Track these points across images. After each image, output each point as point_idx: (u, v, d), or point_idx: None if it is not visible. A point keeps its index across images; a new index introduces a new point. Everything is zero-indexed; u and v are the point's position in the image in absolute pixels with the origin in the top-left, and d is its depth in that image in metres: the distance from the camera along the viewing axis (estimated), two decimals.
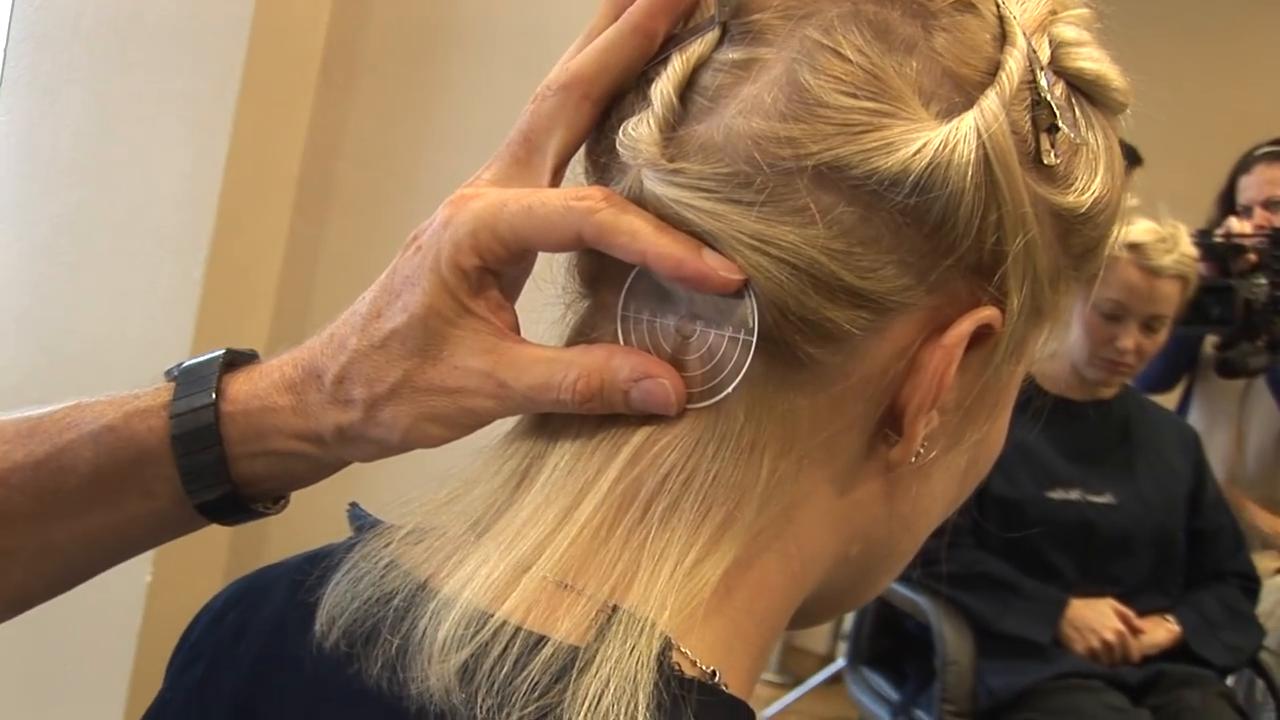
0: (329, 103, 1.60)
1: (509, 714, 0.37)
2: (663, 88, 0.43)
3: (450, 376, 0.46)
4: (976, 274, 0.42)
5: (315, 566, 0.46)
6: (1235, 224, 2.32)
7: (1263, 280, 2.21)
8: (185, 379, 0.49)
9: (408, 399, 0.46)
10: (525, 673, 0.38)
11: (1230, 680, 2.07)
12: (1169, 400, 2.58)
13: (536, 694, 0.38)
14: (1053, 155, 0.43)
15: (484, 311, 0.46)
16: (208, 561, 1.57)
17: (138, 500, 0.50)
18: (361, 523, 0.49)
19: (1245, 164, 2.50)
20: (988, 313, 0.43)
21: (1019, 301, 0.43)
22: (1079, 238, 0.45)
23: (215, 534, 1.78)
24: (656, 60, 0.45)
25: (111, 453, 0.49)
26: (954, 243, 0.41)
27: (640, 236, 0.42)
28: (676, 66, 0.43)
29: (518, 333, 0.47)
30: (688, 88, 0.43)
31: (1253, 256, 2.24)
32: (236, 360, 0.51)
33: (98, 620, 1.55)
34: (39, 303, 1.62)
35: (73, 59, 1.60)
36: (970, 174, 0.40)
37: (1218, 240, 2.28)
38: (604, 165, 0.46)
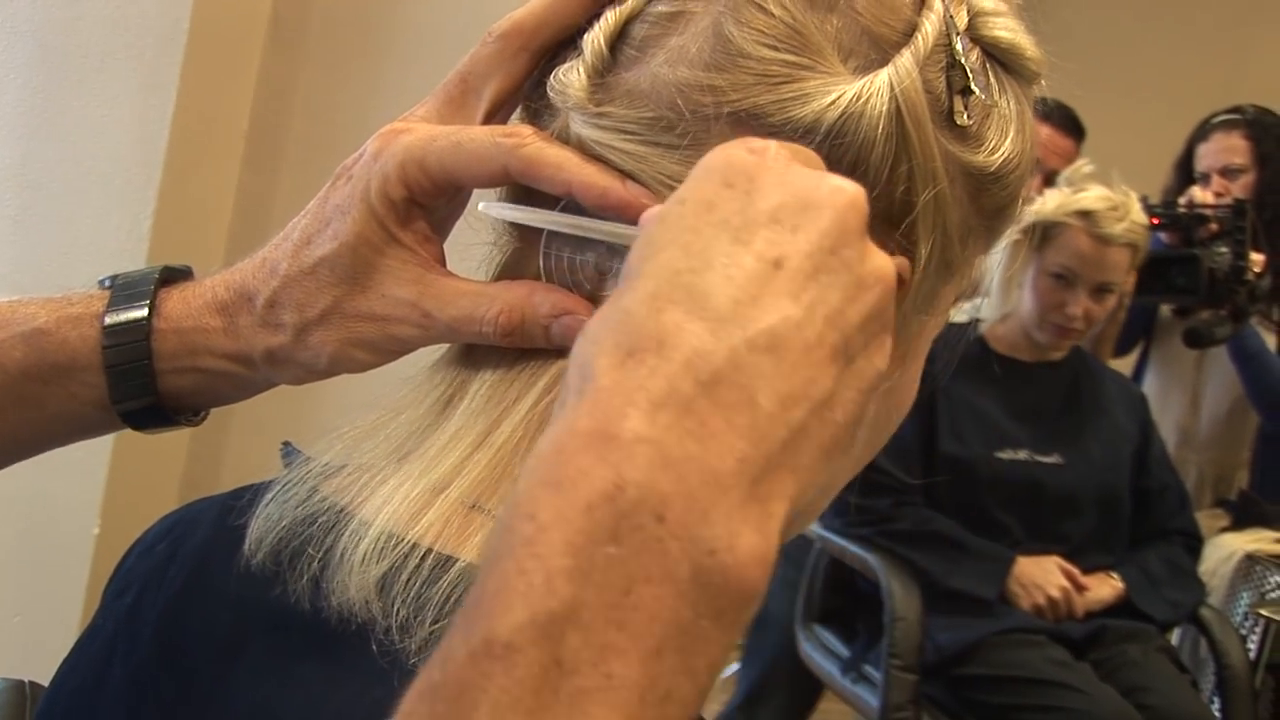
0: (278, 55, 1.58)
1: (421, 623, 0.39)
2: (594, 37, 0.45)
3: (378, 304, 0.47)
4: (886, 223, 0.44)
5: (244, 494, 0.47)
6: (1198, 193, 2.34)
7: (1224, 249, 2.24)
8: (121, 290, 0.50)
9: (336, 325, 0.47)
10: (436, 588, 0.40)
11: (1175, 639, 2.12)
12: (1125, 364, 2.61)
13: (448, 609, 0.39)
14: (965, 116, 0.45)
15: (411, 242, 0.47)
16: (155, 514, 1.57)
17: (61, 402, 0.51)
18: (294, 461, 0.50)
19: (1203, 131, 2.52)
20: (897, 261, 0.44)
21: (927, 251, 0.45)
22: (989, 197, 0.47)
23: (164, 487, 1.76)
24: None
25: (42, 355, 0.50)
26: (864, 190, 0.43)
27: (566, 167, 0.44)
28: (609, 18, 0.45)
29: (444, 265, 0.48)
30: (618, 38, 0.45)
31: (1215, 225, 2.26)
32: (172, 276, 0.51)
33: (45, 572, 1.54)
34: None
35: (18, 10, 1.57)
36: (882, 126, 0.42)
37: (1180, 210, 2.31)
38: (536, 110, 0.48)
